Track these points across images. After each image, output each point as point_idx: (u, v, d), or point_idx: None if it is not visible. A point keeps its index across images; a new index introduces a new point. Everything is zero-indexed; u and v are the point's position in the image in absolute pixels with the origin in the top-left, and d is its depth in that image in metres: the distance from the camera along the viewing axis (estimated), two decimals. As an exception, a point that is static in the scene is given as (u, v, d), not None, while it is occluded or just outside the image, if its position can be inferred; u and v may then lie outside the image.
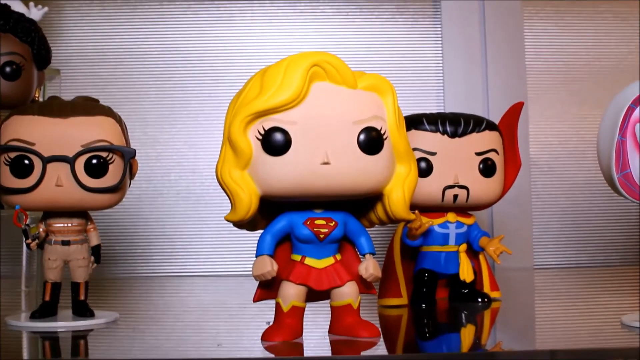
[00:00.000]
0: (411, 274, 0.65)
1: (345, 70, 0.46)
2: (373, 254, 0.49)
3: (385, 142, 0.47)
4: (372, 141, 0.46)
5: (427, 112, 0.64)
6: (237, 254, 0.95)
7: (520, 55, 0.97)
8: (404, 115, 0.50)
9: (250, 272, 0.47)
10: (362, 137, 0.46)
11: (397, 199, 0.48)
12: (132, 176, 0.58)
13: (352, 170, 0.45)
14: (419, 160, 0.60)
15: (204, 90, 0.97)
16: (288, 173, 0.45)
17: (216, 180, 0.48)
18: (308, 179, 0.45)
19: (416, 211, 0.59)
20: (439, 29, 0.98)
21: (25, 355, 0.47)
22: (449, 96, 0.97)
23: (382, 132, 0.46)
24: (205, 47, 0.98)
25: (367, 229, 0.51)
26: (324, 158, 0.45)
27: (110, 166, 0.54)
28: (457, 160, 0.61)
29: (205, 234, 0.96)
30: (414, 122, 0.62)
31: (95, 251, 0.58)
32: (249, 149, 0.45)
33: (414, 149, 0.57)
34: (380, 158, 0.46)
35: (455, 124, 0.62)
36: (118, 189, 0.55)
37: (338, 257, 0.49)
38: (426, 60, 0.99)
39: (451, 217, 0.63)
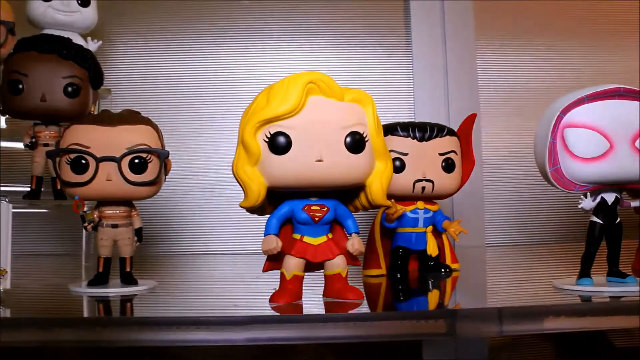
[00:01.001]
0: (389, 249, 0.64)
1: (335, 86, 0.46)
2: (358, 233, 0.49)
3: (367, 143, 0.46)
4: (356, 143, 0.45)
5: (401, 121, 0.63)
6: (250, 235, 0.94)
7: (474, 77, 0.97)
8: (382, 123, 0.50)
9: (261, 250, 0.47)
10: (348, 139, 0.45)
11: (376, 189, 0.47)
12: (166, 173, 0.57)
13: (340, 166, 0.45)
14: (394, 159, 0.60)
15: (225, 106, 0.96)
16: (289, 169, 0.45)
17: (233, 176, 0.48)
18: (305, 173, 0.45)
19: (392, 200, 0.58)
20: (410, 55, 0.98)
21: (85, 314, 0.47)
22: (418, 108, 0.97)
23: (364, 135, 0.46)
24: (227, 73, 0.97)
25: (353, 213, 0.50)
26: (318, 156, 0.44)
27: (149, 165, 0.54)
28: (424, 160, 0.61)
29: (225, 219, 0.95)
30: (389, 129, 0.61)
31: (138, 232, 0.57)
32: (258, 149, 0.45)
33: (390, 151, 0.56)
34: (362, 156, 0.46)
35: (423, 131, 0.61)
36: (155, 182, 0.55)
37: (330, 235, 0.49)
38: (400, 80, 0.99)
39: (420, 204, 0.63)
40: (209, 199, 0.95)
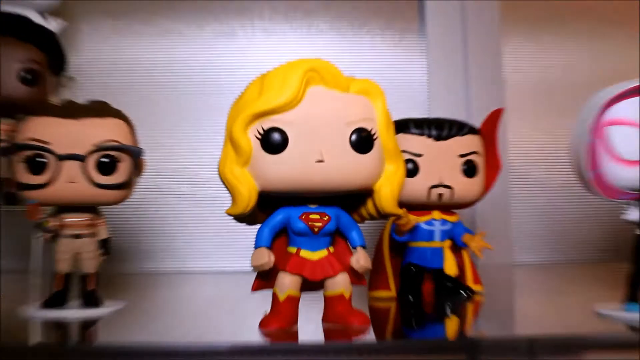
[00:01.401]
0: (399, 267, 0.65)
1: (339, 75, 0.46)
2: (364, 246, 0.49)
3: (375, 142, 0.47)
4: (363, 141, 0.46)
5: (414, 117, 0.64)
6: (237, 249, 0.94)
7: (498, 66, 0.97)
8: (393, 120, 0.50)
9: (249, 266, 0.47)
10: (353, 137, 0.46)
11: (386, 195, 0.48)
12: (139, 175, 0.57)
13: (344, 168, 0.45)
14: (407, 161, 0.60)
15: (207, 99, 0.97)
16: (285, 170, 0.45)
17: (218, 180, 0.48)
18: (303, 175, 0.45)
19: (404, 209, 0.58)
20: (424, 42, 0.99)
21: (36, 341, 0.46)
22: (433, 102, 0.97)
23: (372, 132, 0.47)
24: (209, 59, 0.97)
25: (358, 224, 0.51)
26: (319, 156, 0.45)
27: (119, 164, 0.54)
28: (441, 162, 0.61)
29: (207, 230, 0.95)
30: (401, 126, 0.61)
31: (104, 244, 0.57)
32: (249, 147, 0.46)
33: (402, 151, 0.56)
34: (370, 156, 0.47)
35: (440, 128, 0.61)
36: (126, 185, 0.55)
37: (331, 249, 0.49)
38: (412, 69, 0.99)
39: (436, 214, 0.63)
40: (188, 205, 0.95)
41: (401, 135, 0.61)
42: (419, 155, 0.61)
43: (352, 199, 0.50)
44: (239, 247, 0.94)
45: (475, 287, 0.65)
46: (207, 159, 0.95)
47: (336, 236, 0.50)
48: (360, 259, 0.48)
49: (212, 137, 0.96)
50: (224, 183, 0.47)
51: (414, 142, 0.61)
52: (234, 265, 0.94)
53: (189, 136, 0.96)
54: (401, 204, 0.51)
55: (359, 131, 0.46)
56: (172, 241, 0.95)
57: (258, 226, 0.50)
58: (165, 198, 0.95)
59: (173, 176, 0.96)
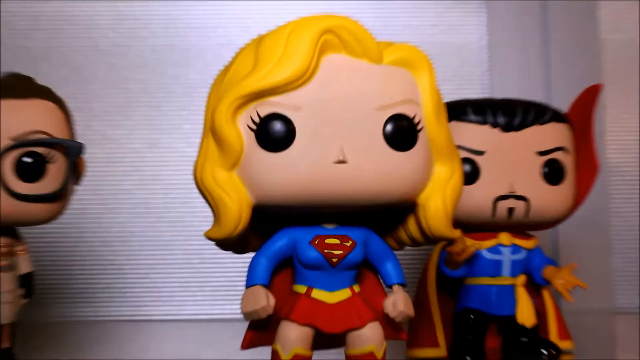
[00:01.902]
0: (451, 315, 0.65)
1: (367, 39, 0.47)
2: (404, 285, 0.50)
3: (420, 134, 0.47)
4: (402, 133, 0.47)
5: (472, 97, 0.64)
6: (220, 287, 0.95)
7: (593, 27, 0.98)
8: (445, 103, 0.51)
9: (235, 314, 0.50)
10: (389, 127, 0.46)
11: (436, 210, 0.48)
12: (77, 181, 0.58)
13: (375, 172, 0.46)
14: (462, 161, 0.59)
15: (172, 69, 0.98)
16: (290, 175, 0.45)
17: (192, 189, 0.49)
18: (317, 182, 0.46)
19: (458, 230, 0.58)
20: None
21: None
22: (498, 77, 0.98)
23: (416, 121, 0.47)
24: (175, 12, 0.99)
25: (394, 252, 0.51)
26: (339, 155, 0.45)
27: (50, 166, 0.54)
28: (512, 162, 0.62)
29: (170, 263, 0.96)
30: (455, 111, 0.62)
31: (26, 281, 0.57)
32: (238, 142, 0.46)
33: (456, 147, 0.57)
34: (413, 155, 0.47)
35: (511, 114, 0.62)
36: (59, 196, 0.55)
37: (356, 288, 0.49)
38: (468, 29, 1.01)
39: (505, 238, 0.64)
40: (142, 227, 0.96)
41: (454, 124, 0.61)
42: (481, 153, 0.62)
43: (387, 217, 0.51)
44: (225, 284, 0.95)
45: (562, 344, 0.65)
46: (172, 156, 0.96)
47: (364, 270, 0.51)
48: (398, 303, 0.49)
49: (177, 125, 0.97)
50: (202, 193, 0.48)
51: (473, 134, 0.62)
52: (212, 311, 0.95)
53: (147, 126, 0.97)
54: (455, 224, 0.51)
55: (397, 119, 0.46)
56: (122, 277, 0.96)
57: (251, 255, 0.50)
58: (112, 214, 0.96)
59: (121, 182, 0.97)
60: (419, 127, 0.47)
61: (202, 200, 0.49)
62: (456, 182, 0.49)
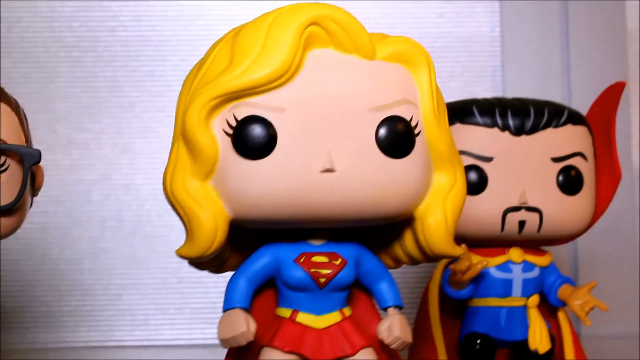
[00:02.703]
0: (456, 340, 0.65)
1: (358, 31, 0.47)
2: (400, 307, 0.50)
3: (418, 138, 0.47)
4: (398, 137, 0.47)
5: (479, 97, 0.64)
6: (194, 313, 0.95)
7: (619, 14, 0.98)
8: (445, 101, 0.51)
9: (212, 339, 0.49)
10: (383, 131, 0.46)
11: (435, 225, 0.48)
12: (34, 192, 0.57)
13: (367, 182, 0.46)
14: (468, 169, 0.61)
15: (146, 65, 0.98)
16: (272, 185, 0.45)
17: (164, 198, 0.49)
18: (302, 194, 0.46)
19: (463, 245, 0.60)
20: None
21: None
22: (512, 73, 0.98)
23: (413, 124, 0.47)
24: (146, 6, 0.98)
25: (389, 270, 0.51)
26: (326, 163, 0.45)
27: (2, 176, 0.54)
28: (524, 170, 0.62)
29: (145, 283, 0.96)
30: (459, 112, 0.62)
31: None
32: (212, 148, 0.46)
33: (460, 152, 0.57)
34: (409, 163, 0.47)
35: (522, 115, 0.62)
36: (13, 210, 0.55)
37: (347, 311, 0.50)
38: (478, 19, 1.00)
39: (515, 254, 0.64)
40: (111, 243, 0.96)
41: (459, 127, 0.62)
42: (488, 160, 0.62)
43: (381, 231, 0.51)
44: (199, 308, 0.95)
45: (580, 374, 0.65)
46: (148, 164, 0.96)
47: (356, 291, 0.51)
48: (394, 328, 0.49)
49: (151, 128, 0.96)
50: (172, 206, 0.48)
51: (480, 138, 0.62)
52: (191, 336, 0.95)
53: (118, 129, 0.97)
54: (459, 238, 0.52)
55: (392, 121, 0.46)
56: (91, 298, 0.95)
57: (229, 275, 0.50)
58: (79, 228, 0.96)
59: (89, 193, 0.96)
60: (417, 130, 0.47)
61: (179, 213, 0.49)
62: (458, 193, 0.49)
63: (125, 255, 0.96)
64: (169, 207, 0.49)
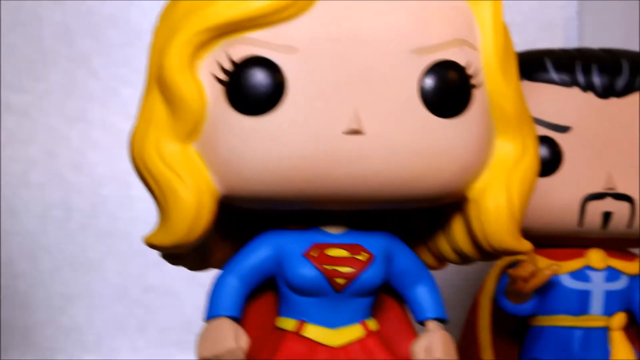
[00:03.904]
0: (514, 366, 0.65)
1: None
2: (444, 321, 0.51)
3: (476, 92, 0.47)
4: (449, 90, 0.46)
5: (554, 47, 0.65)
6: (163, 331, 0.96)
7: None
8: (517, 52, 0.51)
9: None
10: (429, 81, 0.46)
11: (496, 209, 0.48)
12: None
13: (407, 148, 0.46)
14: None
15: (103, 8, 0.98)
16: (277, 150, 0.45)
17: (134, 180, 0.49)
18: (317, 163, 0.45)
19: (528, 244, 0.58)
20: None
21: None
22: (590, 19, 0.99)
23: (471, 72, 0.47)
24: None
25: (431, 270, 0.52)
26: (352, 122, 0.45)
27: None
28: (612, 145, 0.62)
29: (98, 292, 0.96)
30: (527, 66, 0.62)
31: None
32: (199, 100, 0.46)
33: None
34: (464, 124, 0.47)
35: (612, 71, 0.62)
36: None
37: (372, 325, 0.50)
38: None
39: (596, 258, 0.64)
40: (67, 236, 0.97)
41: (526, 86, 0.59)
42: (564, 130, 0.62)
43: (421, 218, 0.51)
44: (169, 326, 0.95)
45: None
46: (106, 137, 0.96)
47: (384, 297, 0.51)
48: (434, 347, 0.49)
49: (116, 92, 0.97)
50: (141, 176, 0.48)
51: (555, 102, 0.62)
52: (154, 356, 0.95)
53: (68, 90, 0.97)
54: (523, 234, 0.51)
55: (442, 69, 0.46)
56: (27, 311, 0.96)
57: (214, 273, 0.50)
58: (14, 219, 0.96)
59: (27, 174, 0.97)
60: (475, 81, 0.47)
61: (147, 197, 0.49)
62: (528, 167, 0.49)
63: (74, 256, 0.97)
64: (132, 193, 0.49)
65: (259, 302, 0.50)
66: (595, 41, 0.93)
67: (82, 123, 0.97)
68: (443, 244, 0.51)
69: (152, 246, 0.48)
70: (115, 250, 0.96)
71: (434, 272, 0.52)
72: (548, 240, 0.63)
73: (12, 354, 0.95)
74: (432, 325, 0.50)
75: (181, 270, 0.53)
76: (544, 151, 0.61)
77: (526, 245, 0.50)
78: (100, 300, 0.96)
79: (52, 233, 0.96)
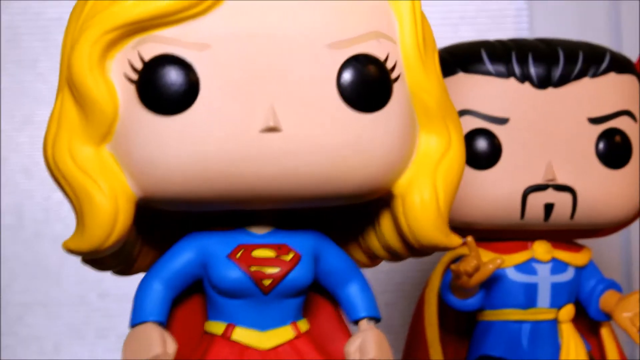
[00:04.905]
0: (460, 365, 0.65)
1: None
2: (376, 320, 0.50)
3: (396, 85, 0.47)
4: (368, 83, 0.46)
5: (490, 38, 0.64)
6: (118, 340, 0.92)
7: None
8: (446, 44, 0.52)
9: None
10: (347, 75, 0.46)
11: (422, 204, 0.48)
12: None
13: (326, 145, 0.46)
14: (475, 134, 0.61)
15: (51, 10, 0.97)
16: (192, 150, 0.45)
17: (48, 172, 0.48)
18: (234, 162, 0.45)
19: (469, 238, 0.59)
20: None
21: None
22: (541, 9, 0.98)
23: (390, 65, 0.47)
24: None
25: (363, 270, 0.51)
26: (269, 119, 0.45)
27: None
28: (551, 135, 0.62)
29: (56, 300, 0.96)
30: (464, 57, 0.62)
31: None
32: (110, 101, 0.45)
33: (464, 112, 0.58)
34: (385, 119, 0.46)
35: (548, 61, 0.62)
36: None
37: (303, 326, 0.50)
38: None
39: (541, 250, 0.64)
40: (22, 243, 0.96)
41: (463, 78, 0.62)
42: (503, 122, 0.62)
43: (348, 215, 0.51)
44: (121, 334, 0.91)
45: (631, 410, 0.65)
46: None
47: (315, 297, 0.51)
48: (367, 347, 0.49)
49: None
50: (57, 182, 0.47)
51: (492, 93, 0.62)
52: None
53: (11, 94, 0.97)
54: (464, 228, 0.53)
55: (360, 62, 0.46)
56: None
57: (139, 276, 0.50)
58: None
59: None
60: (394, 74, 0.47)
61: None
62: (454, 161, 0.49)
63: (29, 263, 0.97)
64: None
65: (187, 305, 0.50)
66: (547, 31, 0.94)
67: (31, 127, 0.97)
68: (373, 241, 0.51)
69: (71, 251, 0.48)
70: (70, 257, 0.95)
71: (369, 273, 0.52)
72: (491, 233, 0.63)
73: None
74: (365, 324, 0.50)
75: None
76: (482, 144, 0.61)
77: (455, 240, 0.49)
78: (57, 307, 0.96)
79: (5, 241, 0.96)
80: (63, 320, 0.96)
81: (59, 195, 0.92)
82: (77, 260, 0.92)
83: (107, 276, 0.52)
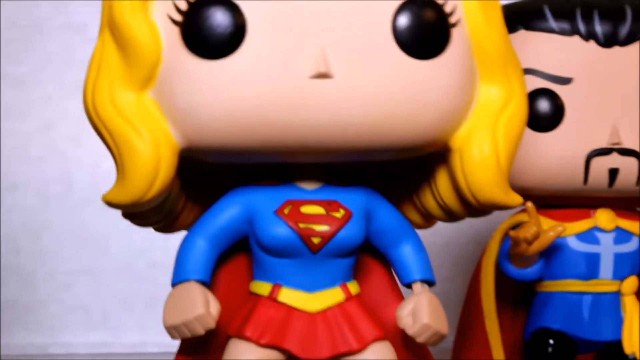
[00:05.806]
0: (519, 338, 0.64)
1: None
2: (431, 283, 0.50)
3: (455, 31, 0.46)
4: (425, 28, 0.45)
5: None
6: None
7: None
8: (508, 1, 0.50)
9: (162, 326, 0.48)
10: (403, 19, 0.45)
11: (481, 158, 0.47)
12: None
13: (380, 92, 0.44)
14: (536, 94, 0.60)
15: None
16: (239, 96, 0.44)
17: (90, 123, 0.47)
18: (282, 109, 0.44)
19: (528, 203, 0.58)
20: None
21: None
22: None
23: (449, 9, 0.46)
24: None
25: (416, 228, 0.51)
26: (319, 64, 0.44)
27: None
28: (617, 97, 0.60)
29: (102, 269, 0.96)
30: (525, 14, 0.61)
31: None
32: (153, 44, 0.45)
33: (526, 72, 0.55)
34: (443, 66, 0.45)
35: (615, 18, 0.60)
36: None
37: (353, 288, 0.49)
38: None
39: (604, 218, 0.62)
40: (67, 211, 0.96)
41: (524, 36, 0.61)
42: (566, 81, 0.60)
43: (402, 171, 0.50)
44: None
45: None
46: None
47: (366, 258, 0.50)
48: (420, 312, 0.48)
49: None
50: (97, 131, 0.47)
51: (555, 52, 0.61)
52: (164, 340, 0.93)
53: (59, 58, 0.97)
54: (523, 194, 0.50)
55: (417, 5, 0.45)
56: (30, 290, 0.96)
57: (181, 234, 0.50)
58: (12, 194, 0.96)
59: (26, 147, 0.97)
60: (453, 19, 0.46)
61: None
62: (516, 114, 0.48)
63: (76, 232, 0.96)
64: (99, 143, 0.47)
65: (232, 265, 0.49)
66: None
67: (80, 93, 0.96)
68: (428, 199, 0.50)
69: (111, 204, 0.47)
70: (118, 225, 0.95)
71: (421, 232, 0.51)
72: (552, 200, 0.62)
73: (15, 333, 0.95)
74: (418, 287, 0.49)
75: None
76: (544, 105, 0.60)
77: (516, 198, 0.48)
78: (104, 277, 0.96)
79: (53, 209, 0.96)
80: (110, 290, 0.96)
81: (107, 163, 0.92)
82: (124, 229, 0.94)
83: (156, 245, 0.51)
